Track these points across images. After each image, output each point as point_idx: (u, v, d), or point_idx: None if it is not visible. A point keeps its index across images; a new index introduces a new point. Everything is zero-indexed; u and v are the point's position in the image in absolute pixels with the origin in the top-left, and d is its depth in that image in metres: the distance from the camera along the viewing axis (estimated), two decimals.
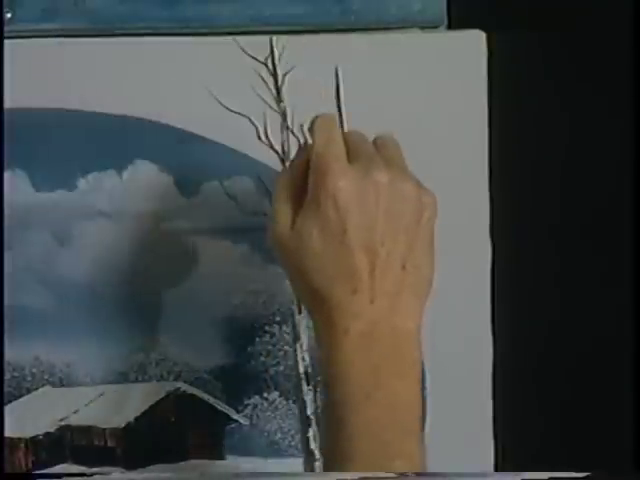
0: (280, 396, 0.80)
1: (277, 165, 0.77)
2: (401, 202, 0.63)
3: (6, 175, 0.75)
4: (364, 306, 0.62)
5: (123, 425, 0.79)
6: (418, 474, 0.61)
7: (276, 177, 0.67)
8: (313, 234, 0.63)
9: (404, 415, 0.62)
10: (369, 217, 0.62)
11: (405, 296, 0.63)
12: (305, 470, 0.77)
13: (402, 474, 0.59)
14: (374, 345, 0.62)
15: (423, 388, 0.80)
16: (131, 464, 0.79)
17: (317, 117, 0.66)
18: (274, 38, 0.75)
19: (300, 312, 0.77)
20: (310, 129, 0.66)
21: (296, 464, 0.79)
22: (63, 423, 0.78)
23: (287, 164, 0.68)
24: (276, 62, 0.73)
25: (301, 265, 0.63)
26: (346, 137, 0.65)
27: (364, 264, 0.62)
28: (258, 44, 0.75)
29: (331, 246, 0.62)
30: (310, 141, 0.65)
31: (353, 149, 0.65)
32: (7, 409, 0.77)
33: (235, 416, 0.79)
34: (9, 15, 0.74)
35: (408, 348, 0.63)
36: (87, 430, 0.78)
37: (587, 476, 0.61)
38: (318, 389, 0.77)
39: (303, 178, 0.64)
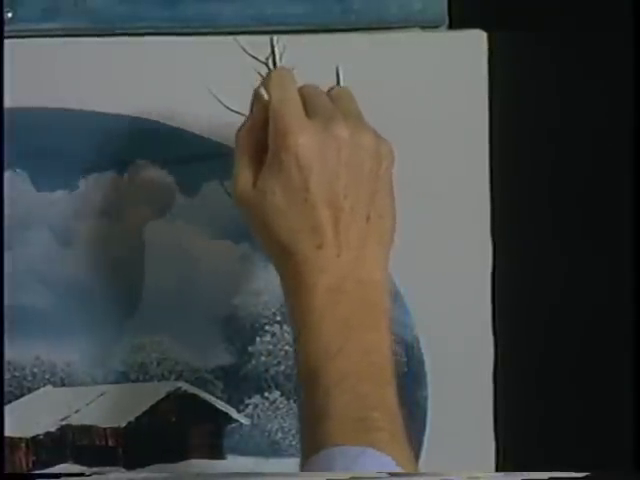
0: (281, 396, 0.80)
1: None
2: (361, 154, 0.64)
3: (6, 175, 0.75)
4: (331, 260, 0.63)
5: (124, 425, 0.79)
6: (419, 474, 0.61)
7: (236, 133, 0.66)
8: (276, 193, 0.63)
9: (377, 366, 0.62)
10: (331, 172, 0.63)
11: (370, 248, 0.64)
12: None
13: (395, 474, 0.59)
14: (343, 298, 0.62)
15: (424, 387, 0.80)
16: (132, 464, 0.79)
17: (272, 72, 0.67)
18: (275, 38, 0.75)
19: None
20: (265, 84, 0.66)
21: (297, 464, 0.79)
22: (64, 423, 0.78)
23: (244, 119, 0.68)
24: (277, 61, 0.73)
25: (266, 222, 0.63)
26: (301, 91, 0.66)
27: (328, 219, 0.63)
28: (259, 44, 0.75)
29: (295, 203, 0.63)
30: (266, 97, 0.65)
31: (310, 103, 0.65)
32: (8, 409, 0.77)
33: (236, 416, 0.79)
34: (10, 15, 0.74)
35: (376, 299, 0.64)
36: (88, 430, 0.78)
37: (587, 476, 0.61)
38: None
39: (263, 133, 0.64)
